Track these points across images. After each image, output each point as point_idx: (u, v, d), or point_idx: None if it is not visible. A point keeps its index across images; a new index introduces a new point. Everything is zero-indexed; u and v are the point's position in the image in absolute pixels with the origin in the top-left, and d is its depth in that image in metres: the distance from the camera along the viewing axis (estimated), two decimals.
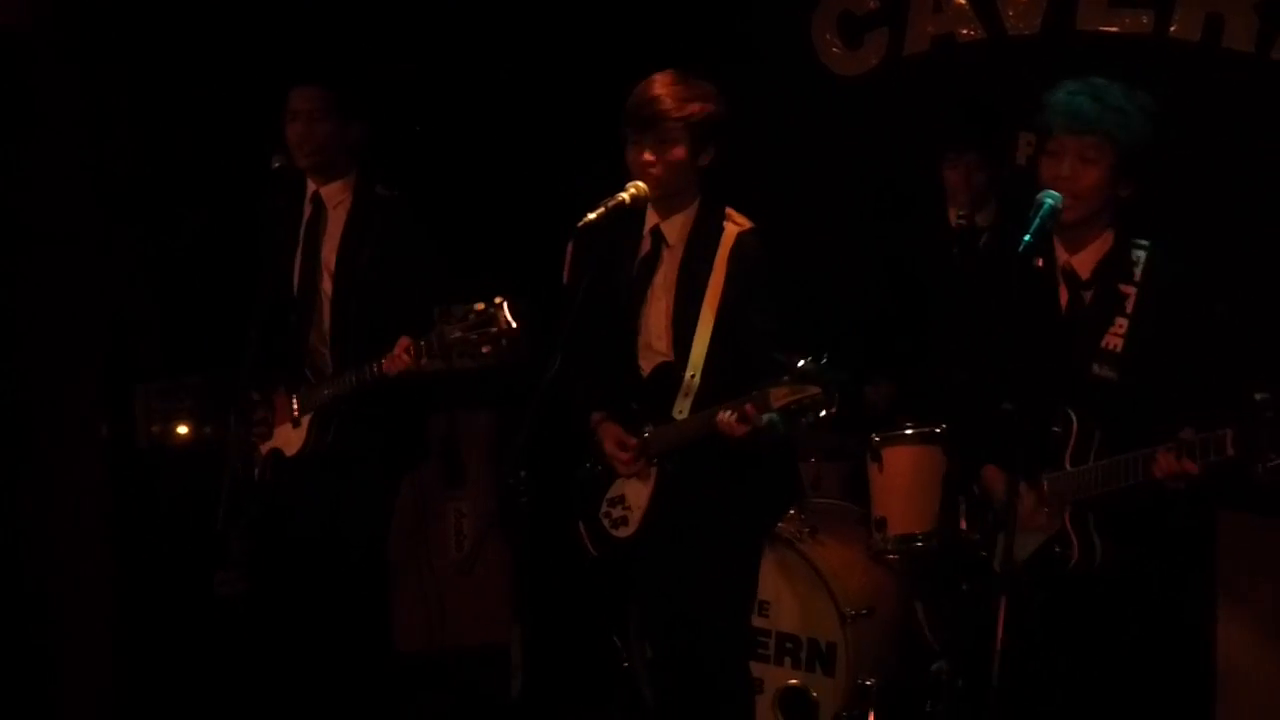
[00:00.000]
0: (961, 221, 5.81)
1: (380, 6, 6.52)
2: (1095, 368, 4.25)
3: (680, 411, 4.66)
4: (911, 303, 5.82)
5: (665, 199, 4.70)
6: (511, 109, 6.80)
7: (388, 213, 5.30)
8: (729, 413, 4.43)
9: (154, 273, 6.34)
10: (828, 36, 6.65)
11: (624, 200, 4.56)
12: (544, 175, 6.57)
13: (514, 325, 4.66)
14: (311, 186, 5.36)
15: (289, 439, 5.33)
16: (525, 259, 5.34)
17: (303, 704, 5.50)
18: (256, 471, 5.42)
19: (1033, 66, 5.99)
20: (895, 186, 6.31)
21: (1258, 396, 3.91)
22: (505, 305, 4.66)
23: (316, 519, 5.34)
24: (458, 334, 4.70)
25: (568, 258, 4.83)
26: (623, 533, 4.81)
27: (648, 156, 4.61)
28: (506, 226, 6.50)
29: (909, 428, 5.56)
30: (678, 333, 4.68)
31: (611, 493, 4.84)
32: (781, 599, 5.64)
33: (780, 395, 4.34)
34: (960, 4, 6.32)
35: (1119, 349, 4.24)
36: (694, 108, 4.58)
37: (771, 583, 5.61)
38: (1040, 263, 4.26)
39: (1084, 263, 4.31)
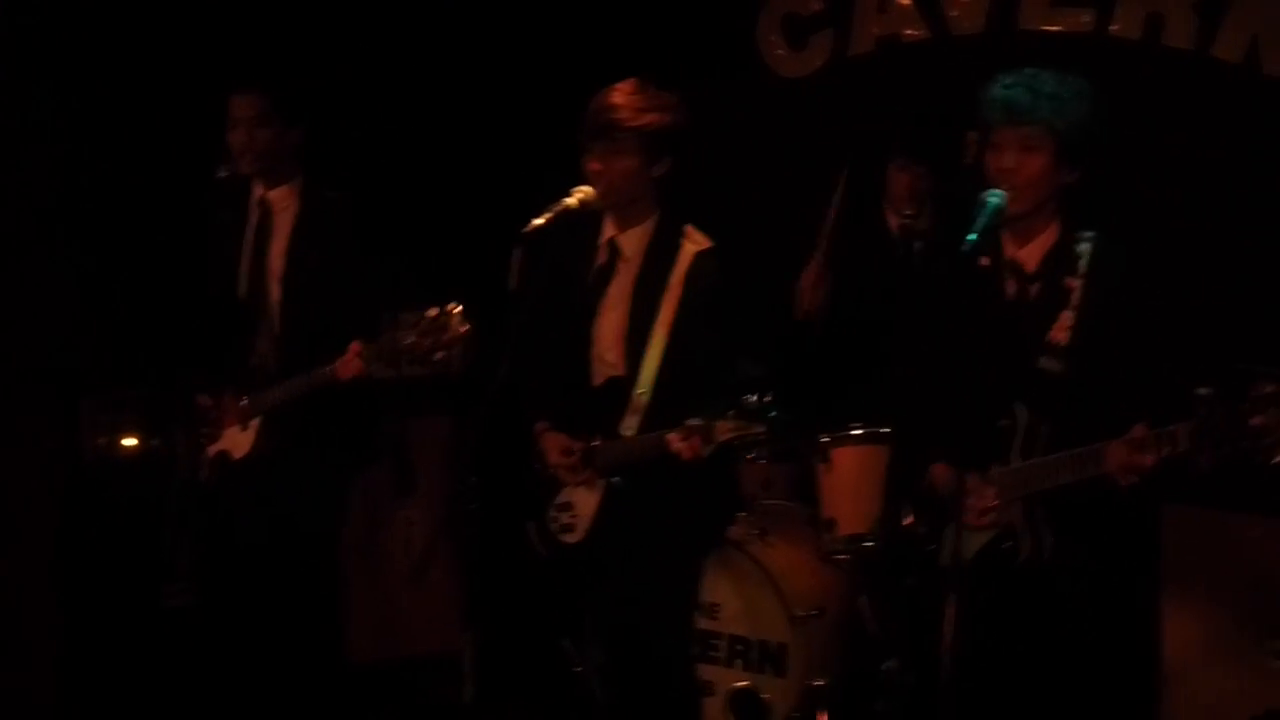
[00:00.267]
0: (906, 221, 5.83)
1: (323, 10, 6.50)
2: (1042, 361, 4.27)
3: (629, 428, 4.69)
4: (858, 303, 5.85)
5: (620, 210, 4.70)
6: (460, 113, 6.79)
7: (335, 216, 5.30)
8: (679, 440, 4.47)
9: (97, 284, 6.30)
10: (772, 38, 6.67)
11: (571, 205, 4.56)
12: (493, 180, 6.57)
13: (466, 331, 4.65)
14: (258, 191, 5.35)
15: (237, 441, 5.30)
16: (473, 263, 5.31)
17: (254, 715, 5.47)
18: (203, 474, 5.38)
19: (977, 66, 5.99)
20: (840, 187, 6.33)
21: (1201, 391, 3.93)
22: (458, 311, 4.66)
23: (265, 524, 5.30)
24: (411, 339, 4.70)
25: (515, 263, 4.82)
26: (570, 539, 4.83)
27: (596, 164, 4.62)
28: (455, 231, 6.50)
29: (856, 428, 5.55)
30: (629, 347, 4.70)
31: (560, 498, 4.86)
32: (731, 601, 5.64)
33: (725, 430, 4.42)
34: (904, 4, 6.35)
35: (1065, 342, 4.26)
36: (649, 118, 4.58)
37: (721, 585, 5.63)
38: (986, 261, 4.28)
39: (1030, 255, 4.34)
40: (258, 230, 5.34)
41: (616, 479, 4.71)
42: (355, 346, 4.91)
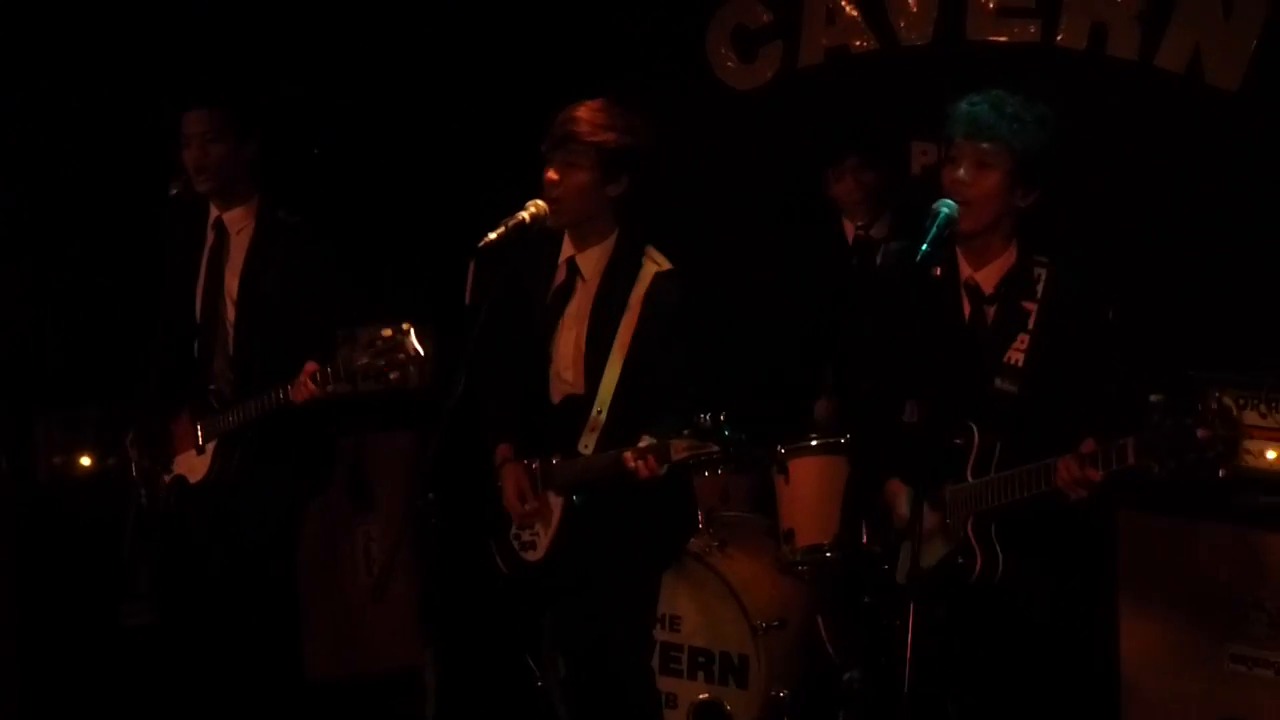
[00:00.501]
0: (860, 233, 5.86)
1: (278, 28, 6.49)
2: (997, 381, 4.31)
3: (586, 446, 4.69)
4: (813, 317, 5.88)
5: (576, 227, 4.70)
6: (415, 128, 6.78)
7: (291, 239, 5.27)
8: (634, 458, 4.48)
9: (52, 303, 6.26)
10: (722, 50, 6.69)
11: (523, 219, 4.55)
12: (449, 195, 6.57)
13: (420, 350, 4.66)
14: (214, 213, 5.32)
15: (193, 466, 5.28)
16: (429, 278, 5.32)
17: None
18: (160, 498, 5.36)
19: (925, 76, 6.08)
20: (793, 199, 6.36)
21: (1153, 399, 3.97)
22: (412, 330, 4.66)
23: (222, 547, 5.28)
24: (364, 359, 4.69)
25: (469, 278, 4.83)
26: (531, 556, 4.83)
27: (551, 175, 4.62)
28: (411, 246, 6.49)
29: (814, 439, 5.59)
30: (588, 366, 4.69)
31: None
32: (692, 613, 5.65)
33: (680, 449, 4.42)
34: (853, 16, 6.39)
35: (1020, 363, 4.31)
36: (608, 136, 4.56)
37: (682, 597, 5.64)
38: (939, 272, 4.31)
39: (987, 278, 4.38)
40: (213, 252, 5.31)
41: (576, 497, 4.71)
42: (309, 368, 4.89)
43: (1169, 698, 5.07)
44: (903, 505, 4.40)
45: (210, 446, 5.23)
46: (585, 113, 4.62)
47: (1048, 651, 4.37)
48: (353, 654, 6.13)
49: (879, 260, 5.73)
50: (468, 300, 4.82)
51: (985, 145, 4.25)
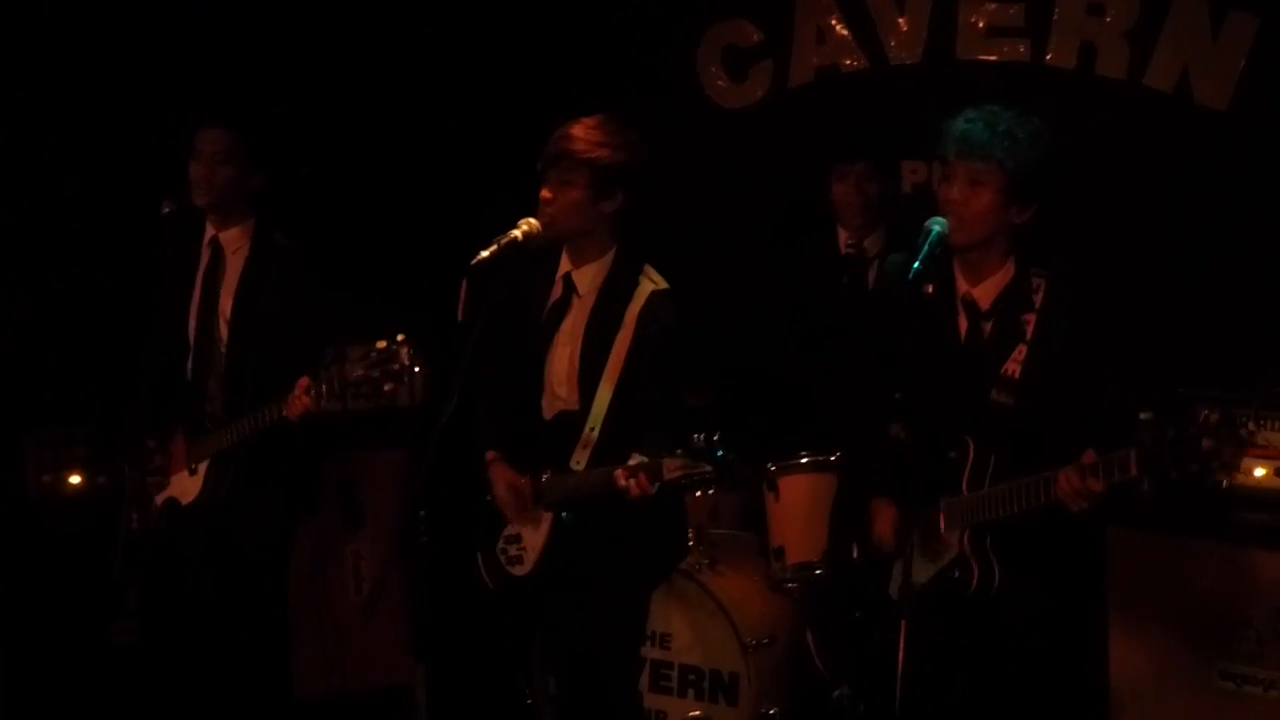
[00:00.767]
0: (850, 249, 5.87)
1: (271, 47, 6.50)
2: (994, 394, 4.32)
3: (578, 463, 4.69)
4: (804, 333, 5.88)
5: (571, 244, 4.72)
6: (409, 146, 6.80)
7: (287, 261, 5.27)
8: (625, 477, 4.48)
9: (43, 321, 6.26)
10: (712, 69, 6.72)
11: (516, 238, 4.57)
12: (442, 213, 6.58)
13: (414, 362, 4.66)
14: (210, 231, 5.32)
15: (185, 487, 5.28)
16: (423, 296, 5.32)
17: None
18: (152, 520, 5.35)
19: (915, 96, 6.10)
20: (785, 216, 6.37)
21: (1142, 416, 3.98)
22: (406, 342, 4.66)
23: (213, 567, 5.28)
24: (359, 372, 4.70)
25: (462, 296, 4.83)
26: (518, 571, 4.84)
27: (545, 193, 4.63)
28: (406, 263, 6.50)
29: (804, 456, 5.59)
30: (582, 383, 4.70)
31: (508, 530, 4.87)
32: (682, 631, 5.65)
33: (672, 468, 4.42)
34: (843, 35, 6.41)
35: (1017, 375, 4.31)
36: (601, 152, 4.58)
37: (672, 615, 5.64)
38: (931, 289, 4.32)
39: (985, 294, 4.39)
40: (208, 272, 5.32)
41: (565, 514, 4.72)
42: (303, 382, 4.89)
43: (1158, 714, 5.08)
44: (884, 526, 4.42)
45: (202, 467, 5.23)
46: (579, 130, 4.64)
47: (1040, 666, 4.37)
48: (342, 672, 6.12)
49: (876, 273, 5.79)
50: (460, 317, 4.82)
51: (978, 164, 4.26)
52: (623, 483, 4.49)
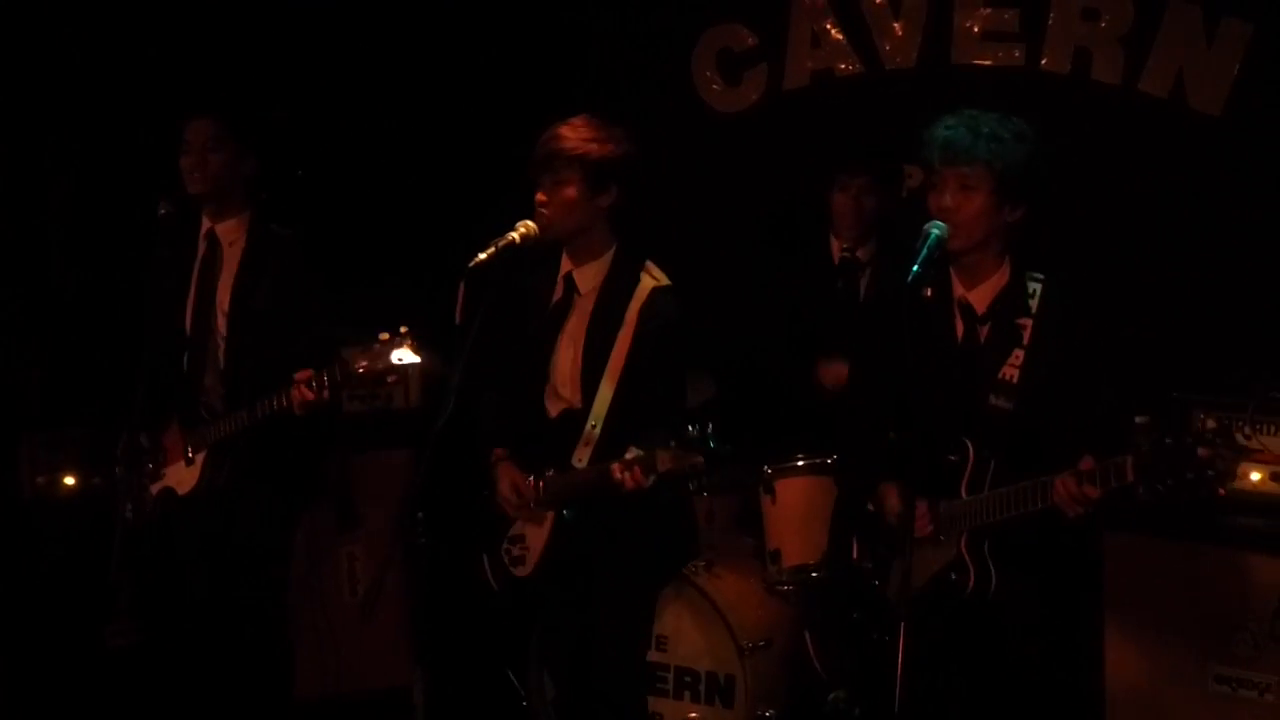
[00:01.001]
0: (845, 255, 5.87)
1: (268, 43, 6.50)
2: (992, 398, 4.33)
3: (580, 460, 4.70)
4: (798, 337, 5.89)
5: (570, 243, 4.72)
6: (405, 149, 6.80)
7: (283, 252, 5.26)
8: (620, 470, 4.49)
9: (37, 323, 6.24)
10: (708, 73, 6.73)
11: (514, 240, 4.58)
12: (441, 215, 6.58)
13: (417, 357, 4.68)
14: (206, 224, 5.30)
15: (182, 478, 5.26)
16: (419, 300, 5.32)
17: None
18: (147, 510, 5.33)
19: (910, 100, 6.11)
20: (779, 220, 6.38)
21: (1138, 420, 3.99)
22: (409, 335, 4.68)
23: (210, 562, 5.26)
24: (364, 363, 4.70)
25: (460, 298, 4.83)
26: (520, 571, 4.84)
27: (540, 195, 4.64)
28: (399, 267, 6.49)
29: (800, 459, 5.60)
30: (585, 381, 4.71)
31: (513, 530, 4.87)
32: (679, 633, 5.65)
33: (665, 460, 4.42)
34: (838, 39, 6.43)
35: (1015, 380, 4.32)
36: (591, 147, 4.59)
37: (669, 617, 5.63)
38: (929, 293, 4.33)
39: (981, 297, 4.39)
40: (204, 264, 5.30)
41: (567, 512, 4.72)
42: (305, 374, 4.89)
43: (1153, 717, 5.09)
44: (892, 500, 4.42)
45: (200, 457, 5.21)
46: (566, 130, 4.65)
47: (1037, 669, 4.38)
48: (339, 673, 6.11)
49: (869, 279, 5.80)
50: (458, 319, 4.83)
51: (965, 169, 4.26)
52: (617, 476, 4.50)
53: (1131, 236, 5.82)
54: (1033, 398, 4.30)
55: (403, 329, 4.70)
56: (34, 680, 5.96)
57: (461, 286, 4.74)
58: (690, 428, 4.40)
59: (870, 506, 4.53)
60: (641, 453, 4.48)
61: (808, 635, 5.55)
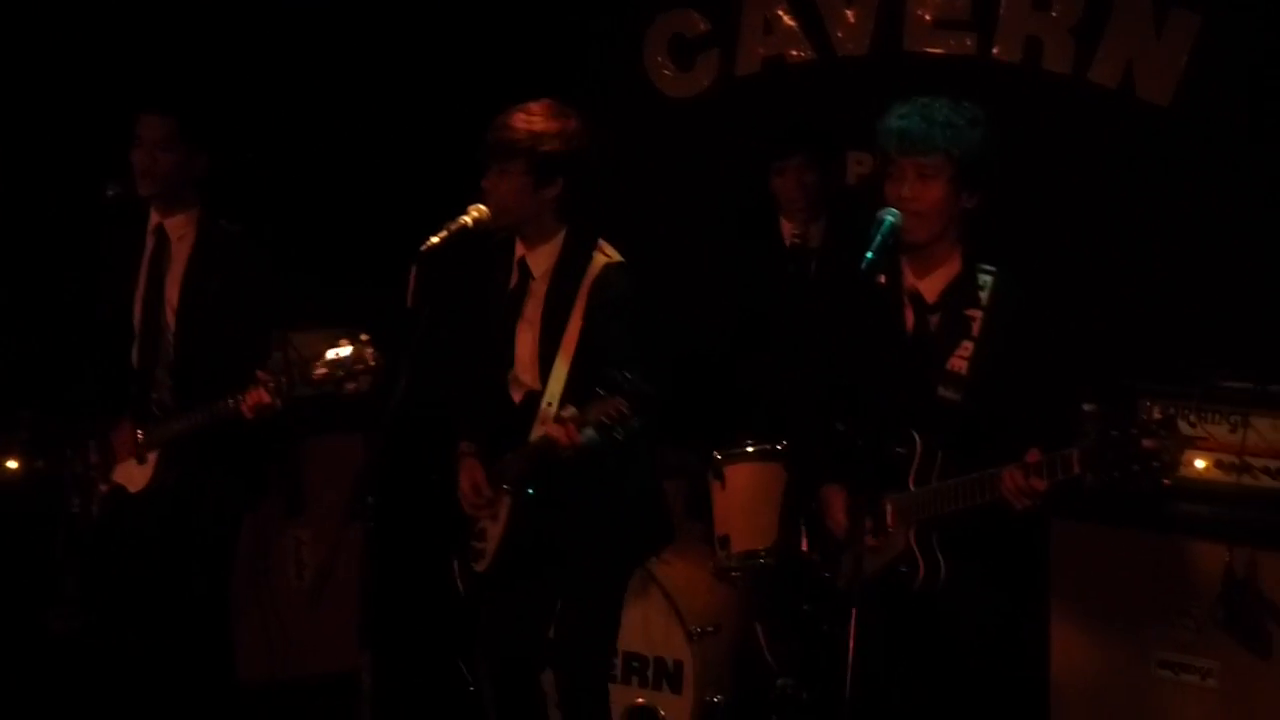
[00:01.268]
0: (796, 241, 5.88)
1: (217, 34, 6.45)
2: (940, 389, 4.32)
3: (536, 437, 4.67)
4: (749, 323, 5.90)
5: (520, 229, 4.70)
6: (353, 136, 6.77)
7: (233, 248, 5.23)
8: (556, 430, 4.45)
9: None
10: (659, 59, 6.72)
11: (466, 224, 4.56)
12: (386, 201, 6.55)
13: (378, 362, 4.68)
14: (154, 219, 5.26)
15: (133, 475, 5.22)
16: (370, 283, 5.30)
17: None
18: (95, 508, 5.30)
19: (862, 87, 6.12)
20: (730, 206, 6.38)
21: (1086, 408, 4.00)
22: (370, 343, 4.68)
23: (157, 551, 5.23)
24: (323, 371, 4.70)
25: (411, 282, 4.81)
26: (480, 566, 4.81)
27: (487, 182, 4.62)
28: (351, 252, 6.47)
29: (750, 445, 5.60)
30: (543, 364, 4.68)
31: (476, 526, 4.84)
32: (628, 618, 5.53)
33: (593, 410, 4.38)
34: (790, 25, 6.43)
35: (964, 371, 4.30)
36: (539, 140, 4.56)
37: None
38: (883, 280, 4.33)
39: (931, 287, 4.38)
40: (153, 259, 5.26)
41: (530, 490, 4.69)
42: (262, 376, 4.87)
43: (1098, 703, 5.13)
44: (838, 511, 4.42)
45: (152, 456, 5.18)
46: (518, 119, 4.62)
47: (984, 658, 4.38)
48: (285, 657, 6.09)
49: (818, 264, 5.81)
50: (409, 303, 4.80)
51: (923, 158, 4.24)
52: (553, 434, 4.46)
53: (1080, 226, 5.85)
54: (981, 390, 4.28)
55: (363, 336, 4.69)
56: None
57: (413, 270, 4.73)
58: (617, 374, 4.37)
59: (814, 506, 4.53)
60: (575, 410, 4.45)
61: (757, 625, 5.56)
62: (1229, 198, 5.59)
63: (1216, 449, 5.01)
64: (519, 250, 4.75)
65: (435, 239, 4.49)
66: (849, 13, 6.30)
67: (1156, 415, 3.90)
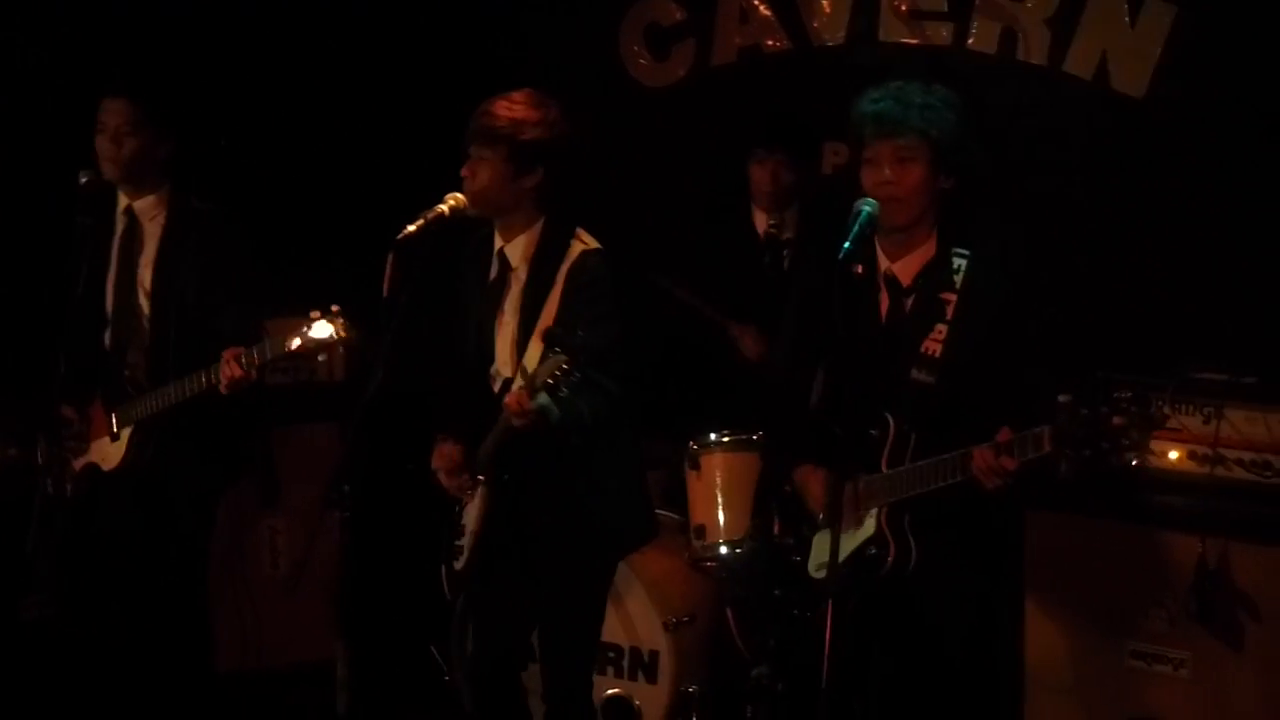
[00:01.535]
0: (771, 231, 5.89)
1: (190, 15, 6.42)
2: (914, 372, 4.33)
3: None
4: (723, 309, 5.90)
5: (497, 218, 4.69)
6: (330, 124, 6.75)
7: (205, 227, 5.21)
8: (511, 400, 4.44)
9: None
10: (635, 48, 6.72)
11: (442, 212, 4.56)
12: (363, 189, 6.53)
13: (347, 334, 4.66)
14: (124, 201, 5.24)
15: (106, 454, 5.21)
16: (344, 271, 5.29)
17: None
18: (69, 487, 5.28)
19: (838, 76, 6.12)
20: (704, 195, 6.38)
21: (1061, 399, 4.02)
22: (340, 314, 4.65)
23: (131, 535, 5.22)
24: (295, 343, 4.68)
25: (388, 271, 4.79)
26: (459, 564, 4.79)
27: (466, 170, 4.61)
28: (327, 240, 6.45)
29: (725, 435, 5.60)
30: (520, 354, 4.66)
31: (460, 524, 4.82)
32: None
33: (541, 372, 4.37)
34: (766, 15, 6.44)
35: (938, 354, 4.32)
36: (519, 129, 4.55)
37: None
38: (860, 270, 4.33)
39: (906, 270, 4.38)
40: (124, 241, 5.24)
41: (505, 476, 4.67)
42: (234, 351, 4.85)
43: (1071, 692, 5.14)
44: (816, 488, 4.41)
45: (125, 433, 5.17)
46: (500, 107, 4.60)
47: (955, 643, 4.39)
48: (261, 647, 6.08)
49: (791, 253, 5.82)
50: (385, 292, 4.79)
51: (901, 140, 4.25)
52: (507, 402, 4.46)
53: (1054, 218, 5.86)
54: (954, 372, 4.30)
55: (334, 308, 4.67)
56: None
57: (390, 258, 4.72)
58: (556, 330, 4.39)
59: (788, 488, 4.54)
60: (526, 377, 4.45)
61: (729, 613, 5.56)
62: (1204, 190, 5.61)
63: (1190, 440, 5.02)
64: (498, 242, 4.73)
65: (412, 227, 4.49)
66: (825, 3, 6.31)
67: (1126, 396, 3.89)
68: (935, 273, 4.37)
